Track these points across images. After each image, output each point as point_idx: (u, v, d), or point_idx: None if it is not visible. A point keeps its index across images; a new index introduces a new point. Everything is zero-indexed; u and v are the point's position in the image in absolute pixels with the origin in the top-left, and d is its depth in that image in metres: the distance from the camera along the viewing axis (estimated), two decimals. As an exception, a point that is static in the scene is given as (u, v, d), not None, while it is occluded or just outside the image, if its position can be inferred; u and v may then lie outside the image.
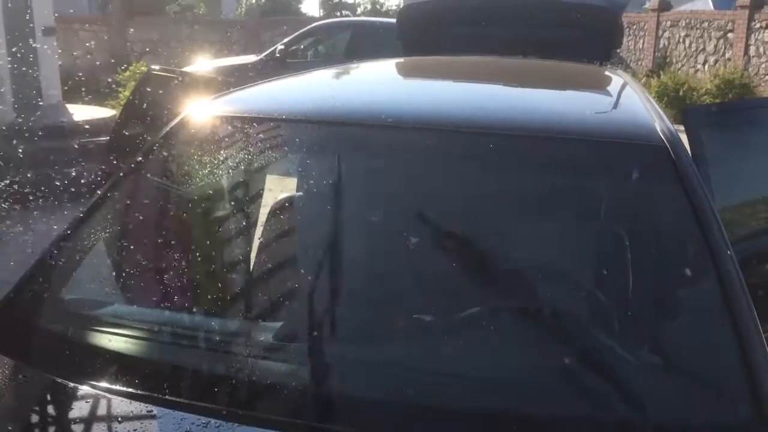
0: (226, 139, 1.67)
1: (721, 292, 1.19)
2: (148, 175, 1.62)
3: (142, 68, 11.97)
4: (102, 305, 1.43)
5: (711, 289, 1.22)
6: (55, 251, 1.46)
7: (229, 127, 1.68)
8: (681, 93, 12.52)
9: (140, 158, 1.60)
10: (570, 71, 2.42)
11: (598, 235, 1.54)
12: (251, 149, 1.65)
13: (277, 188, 2.06)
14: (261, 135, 1.66)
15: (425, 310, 1.39)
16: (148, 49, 16.05)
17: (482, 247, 1.48)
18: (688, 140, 1.88)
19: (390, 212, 1.63)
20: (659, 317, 1.33)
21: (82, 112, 7.28)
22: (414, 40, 3.10)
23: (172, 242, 1.52)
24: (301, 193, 1.90)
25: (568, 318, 1.35)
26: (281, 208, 1.89)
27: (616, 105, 1.78)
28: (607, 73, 2.37)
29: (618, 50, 3.54)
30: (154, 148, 1.63)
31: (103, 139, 5.85)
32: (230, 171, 1.64)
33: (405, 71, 2.46)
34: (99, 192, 1.56)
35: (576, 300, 1.40)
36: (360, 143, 1.60)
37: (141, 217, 1.57)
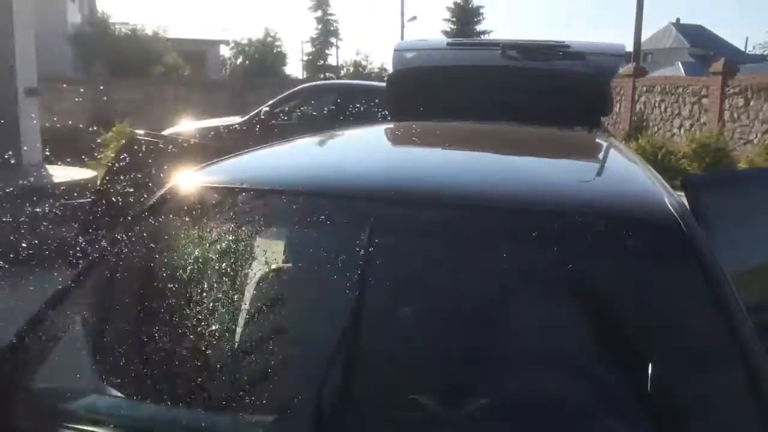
0: (213, 211, 1.59)
1: (746, 373, 1.14)
2: (131, 250, 1.52)
3: (126, 129, 11.98)
4: (77, 396, 1.31)
5: (735, 371, 1.17)
6: (27, 333, 1.35)
7: (217, 199, 1.60)
8: (659, 156, 12.75)
9: (123, 232, 1.51)
10: (566, 140, 2.39)
11: (611, 315, 1.46)
12: (239, 221, 1.57)
13: (265, 260, 1.98)
14: (249, 206, 1.59)
15: (423, 392, 1.31)
16: (131, 110, 16.11)
17: (485, 331, 1.40)
18: (691, 209, 1.83)
19: (382, 287, 1.55)
20: (681, 403, 1.24)
21: (62, 173, 7.18)
22: (403, 105, 3.09)
23: (157, 322, 1.42)
24: (289, 265, 1.83)
25: (582, 407, 1.26)
26: (268, 281, 1.80)
27: (621, 177, 1.74)
28: (603, 140, 2.35)
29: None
30: (138, 221, 1.54)
31: (83, 200, 5.76)
32: (217, 245, 1.55)
33: (396, 138, 2.42)
34: (78, 268, 1.46)
35: (590, 386, 1.32)
36: (351, 215, 1.53)
37: (122, 296, 1.47)
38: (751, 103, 13.49)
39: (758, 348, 1.16)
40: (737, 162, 12.50)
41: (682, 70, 27.26)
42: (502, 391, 1.33)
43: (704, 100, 14.74)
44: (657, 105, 16.31)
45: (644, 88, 16.77)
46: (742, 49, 42.99)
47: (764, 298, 2.16)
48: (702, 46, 44.44)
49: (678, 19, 51.55)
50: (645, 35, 23.47)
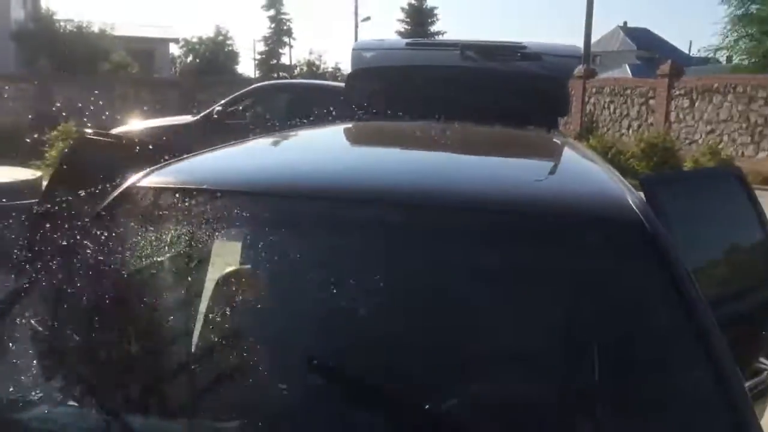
0: (168, 214, 1.53)
1: (710, 367, 1.15)
2: (83, 255, 1.45)
3: (72, 128, 11.60)
4: (27, 407, 1.23)
5: (700, 365, 1.19)
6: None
7: (172, 201, 1.54)
8: (609, 156, 13.04)
9: (74, 236, 1.44)
10: (526, 140, 2.40)
11: (575, 313, 1.46)
12: (195, 223, 1.51)
13: (222, 262, 1.93)
14: (205, 208, 1.53)
15: (387, 392, 1.28)
16: (76, 108, 15.59)
17: (443, 333, 1.38)
18: (651, 209, 1.86)
19: (341, 287, 1.52)
20: (646, 399, 1.25)
21: (3, 173, 6.90)
22: (361, 105, 3.06)
23: (111, 330, 1.36)
24: (247, 267, 1.78)
25: (547, 411, 1.25)
26: (225, 285, 1.75)
27: (583, 176, 1.74)
28: (561, 140, 2.36)
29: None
30: (90, 224, 1.47)
31: (27, 202, 5.54)
32: (173, 248, 1.49)
33: (353, 138, 2.39)
34: (26, 272, 1.39)
35: (556, 384, 1.31)
36: (309, 216, 1.50)
37: (74, 303, 1.40)
38: (696, 104, 13.92)
39: (721, 342, 1.17)
40: (683, 161, 12.88)
41: (629, 72, 27.99)
42: (461, 392, 1.31)
43: (651, 101, 15.15)
44: (606, 106, 16.69)
45: (594, 90, 17.14)
46: (687, 52, 44.30)
47: (720, 292, 2.21)
48: (648, 49, 45.61)
49: (625, 23, 52.84)
50: (594, 38, 24.03)
